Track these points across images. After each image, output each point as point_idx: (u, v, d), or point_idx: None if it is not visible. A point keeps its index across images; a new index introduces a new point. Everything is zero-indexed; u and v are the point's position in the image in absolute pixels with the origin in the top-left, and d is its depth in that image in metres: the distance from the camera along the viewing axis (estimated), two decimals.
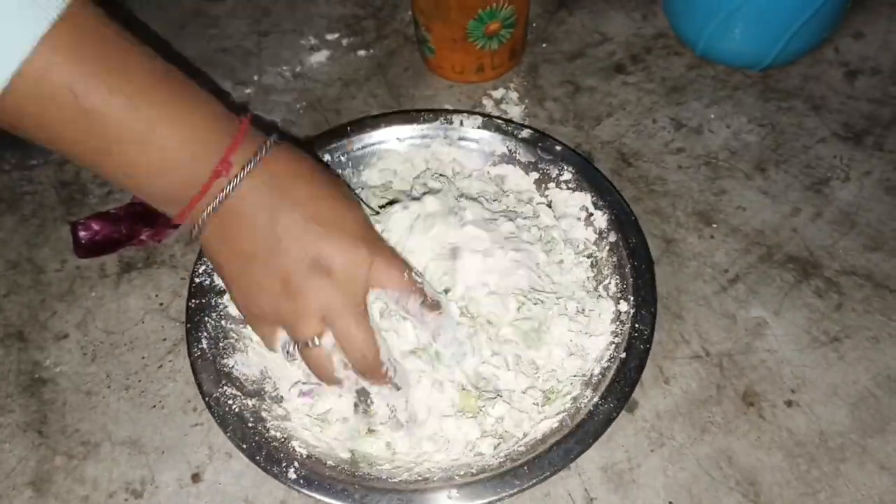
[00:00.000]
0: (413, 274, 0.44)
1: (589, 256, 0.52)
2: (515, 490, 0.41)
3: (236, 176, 0.40)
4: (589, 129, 0.62)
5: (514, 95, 0.65)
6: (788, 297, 0.52)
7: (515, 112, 0.63)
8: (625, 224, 0.51)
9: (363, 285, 0.42)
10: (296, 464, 0.42)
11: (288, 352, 0.44)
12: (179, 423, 0.49)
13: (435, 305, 0.44)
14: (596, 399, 0.44)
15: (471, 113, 0.57)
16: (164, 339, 0.52)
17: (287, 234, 0.41)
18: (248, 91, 0.67)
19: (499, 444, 0.45)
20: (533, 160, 0.55)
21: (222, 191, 0.40)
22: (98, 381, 0.51)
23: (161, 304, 0.54)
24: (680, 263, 0.54)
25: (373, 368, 0.43)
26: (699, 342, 0.51)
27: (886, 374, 0.49)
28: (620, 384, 0.44)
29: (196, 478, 0.47)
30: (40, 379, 0.51)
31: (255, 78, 0.68)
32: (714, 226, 0.56)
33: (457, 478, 0.42)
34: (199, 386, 0.46)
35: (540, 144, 0.55)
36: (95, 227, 0.56)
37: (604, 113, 0.63)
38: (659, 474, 0.46)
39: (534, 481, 0.41)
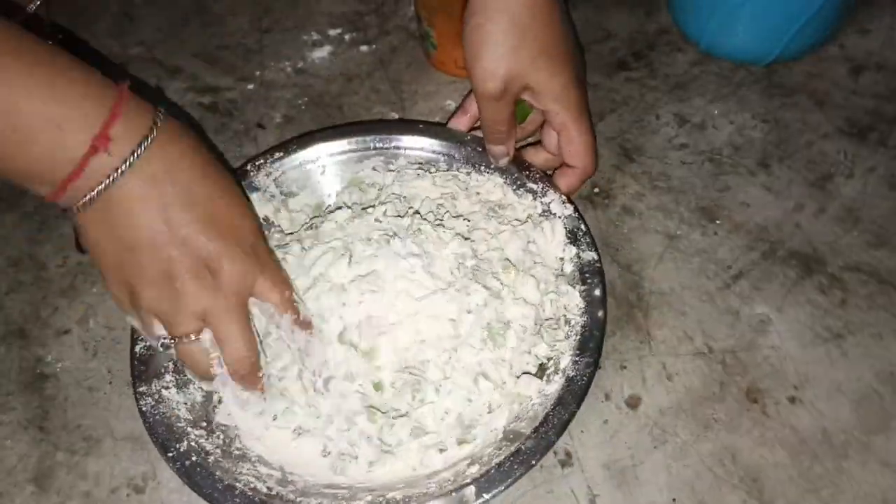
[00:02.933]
0: (293, 294, 0.45)
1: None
2: None
3: (125, 161, 0.37)
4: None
5: None
6: (792, 293, 0.52)
7: None
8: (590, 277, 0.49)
9: (247, 293, 0.43)
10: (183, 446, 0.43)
11: (163, 344, 0.43)
12: None
13: (306, 324, 0.45)
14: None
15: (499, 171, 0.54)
16: None
17: (180, 229, 0.39)
18: (249, 87, 0.67)
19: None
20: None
21: (108, 177, 0.37)
22: (100, 377, 0.51)
23: None
24: (683, 260, 0.54)
25: (250, 373, 0.44)
26: (702, 339, 0.50)
27: (890, 371, 0.48)
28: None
29: None
30: (42, 375, 0.51)
31: (257, 74, 0.68)
32: (717, 222, 0.56)
33: None
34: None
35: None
36: None
37: (607, 109, 0.63)
38: (662, 471, 0.45)
39: None
